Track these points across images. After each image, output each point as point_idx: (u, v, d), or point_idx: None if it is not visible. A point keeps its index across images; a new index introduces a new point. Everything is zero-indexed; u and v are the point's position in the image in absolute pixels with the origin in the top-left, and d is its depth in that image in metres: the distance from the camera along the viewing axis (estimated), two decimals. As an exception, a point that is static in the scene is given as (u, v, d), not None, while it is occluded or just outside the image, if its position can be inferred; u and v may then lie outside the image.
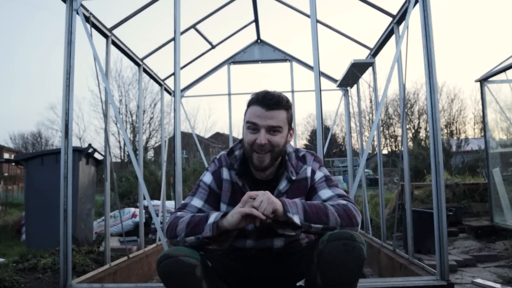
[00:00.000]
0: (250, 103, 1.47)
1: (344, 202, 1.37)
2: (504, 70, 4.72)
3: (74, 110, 2.71)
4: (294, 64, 5.10)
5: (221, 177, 1.53)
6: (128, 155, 19.90)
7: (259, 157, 1.42)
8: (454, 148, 9.64)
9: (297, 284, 1.56)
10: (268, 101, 1.42)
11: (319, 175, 1.52)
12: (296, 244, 1.53)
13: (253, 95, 1.48)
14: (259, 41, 5.07)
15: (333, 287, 1.23)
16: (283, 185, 1.49)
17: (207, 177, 1.54)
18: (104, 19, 3.07)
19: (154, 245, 4.05)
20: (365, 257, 1.23)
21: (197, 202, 1.48)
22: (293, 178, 1.50)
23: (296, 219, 1.25)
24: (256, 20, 4.67)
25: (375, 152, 7.08)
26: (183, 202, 1.51)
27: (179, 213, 1.42)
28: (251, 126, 1.43)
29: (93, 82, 22.69)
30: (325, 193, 1.46)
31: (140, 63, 3.95)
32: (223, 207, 1.51)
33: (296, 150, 1.58)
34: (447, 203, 3.14)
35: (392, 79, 2.79)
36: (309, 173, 1.52)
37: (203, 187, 1.52)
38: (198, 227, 1.31)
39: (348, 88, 5.09)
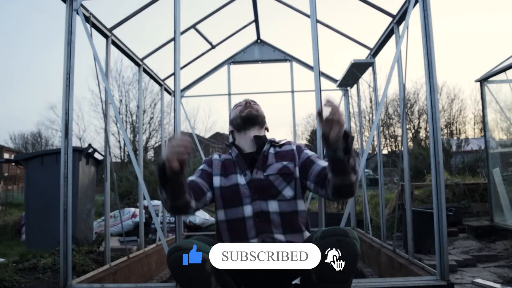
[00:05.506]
0: (233, 108, 1.80)
1: None
2: (504, 70, 4.72)
3: (74, 110, 2.71)
4: (294, 64, 5.09)
5: (211, 159, 1.71)
6: (128, 155, 19.86)
7: (248, 109, 1.70)
8: (454, 148, 9.62)
9: (293, 282, 1.56)
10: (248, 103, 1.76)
11: (310, 152, 1.64)
12: (291, 216, 1.56)
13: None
14: (259, 41, 5.06)
15: (328, 283, 1.24)
16: (267, 147, 1.64)
17: (200, 166, 1.72)
18: (104, 19, 3.07)
19: (154, 245, 4.05)
20: (359, 253, 1.25)
21: (190, 178, 1.61)
22: (277, 148, 1.66)
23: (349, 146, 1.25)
24: (256, 20, 4.67)
25: (375, 152, 7.08)
26: None
27: None
28: (238, 108, 1.74)
29: (93, 82, 22.56)
30: (323, 162, 1.53)
31: (140, 63, 3.95)
32: (217, 179, 1.62)
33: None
34: (447, 203, 3.13)
35: (392, 79, 2.79)
36: (294, 147, 1.67)
37: (197, 171, 1.69)
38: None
39: (348, 88, 5.09)
